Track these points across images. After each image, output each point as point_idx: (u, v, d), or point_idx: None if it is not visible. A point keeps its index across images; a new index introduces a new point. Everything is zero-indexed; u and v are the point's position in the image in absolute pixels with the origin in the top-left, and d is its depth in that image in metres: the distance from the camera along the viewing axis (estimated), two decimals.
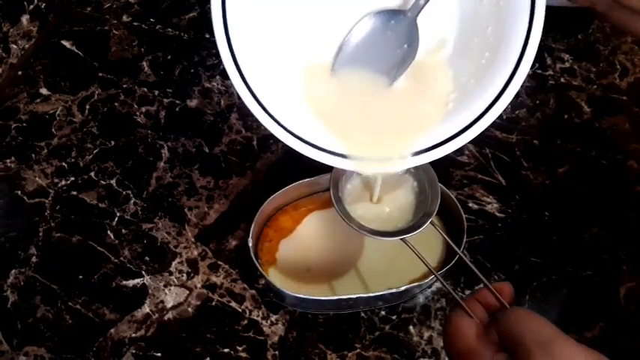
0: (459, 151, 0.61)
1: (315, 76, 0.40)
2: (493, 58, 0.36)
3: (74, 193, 0.59)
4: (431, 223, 0.43)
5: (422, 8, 0.38)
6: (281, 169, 0.61)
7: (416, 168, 0.46)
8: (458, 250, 0.43)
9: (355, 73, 0.39)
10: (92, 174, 0.60)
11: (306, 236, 0.55)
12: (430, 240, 0.53)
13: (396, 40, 0.39)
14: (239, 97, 0.34)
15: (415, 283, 0.50)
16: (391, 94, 0.40)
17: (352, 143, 0.38)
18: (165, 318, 0.53)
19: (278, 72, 0.38)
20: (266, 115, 0.35)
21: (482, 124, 0.36)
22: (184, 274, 0.55)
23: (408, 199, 0.46)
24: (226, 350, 0.51)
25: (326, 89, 0.39)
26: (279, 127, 0.35)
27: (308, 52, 0.39)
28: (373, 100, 0.40)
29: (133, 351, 0.51)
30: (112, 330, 0.52)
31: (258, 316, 0.53)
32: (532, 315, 0.32)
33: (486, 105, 0.36)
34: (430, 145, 0.38)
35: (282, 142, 0.35)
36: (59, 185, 0.60)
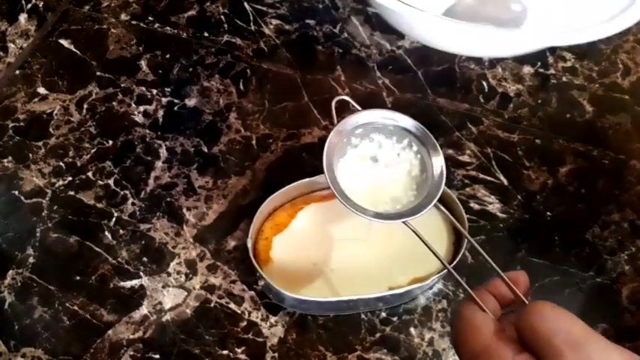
0: (460, 150, 0.61)
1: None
2: None
3: (71, 193, 0.59)
4: (436, 206, 0.40)
5: None
6: (280, 169, 0.60)
7: (419, 144, 0.43)
8: (467, 236, 0.40)
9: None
10: (90, 174, 0.60)
11: (300, 231, 0.54)
12: (434, 240, 0.52)
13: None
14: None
15: (416, 284, 0.50)
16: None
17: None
18: (164, 319, 0.53)
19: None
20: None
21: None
22: (183, 275, 0.55)
23: (409, 179, 0.44)
24: (225, 352, 0.51)
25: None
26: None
27: None
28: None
29: (131, 352, 0.51)
30: (110, 331, 0.52)
31: (257, 317, 0.53)
32: (560, 311, 0.28)
33: None
34: None
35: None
36: (56, 185, 0.59)
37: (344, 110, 0.64)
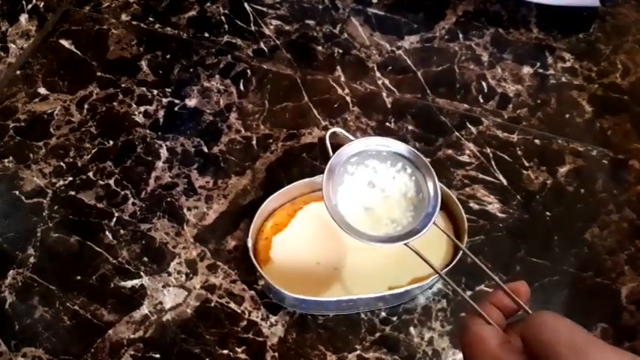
0: (460, 150, 0.61)
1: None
2: None
3: (72, 193, 0.59)
4: (435, 223, 0.42)
5: None
6: (280, 169, 0.60)
7: (413, 167, 0.45)
8: (463, 248, 0.42)
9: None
10: (90, 174, 0.60)
11: (300, 231, 0.54)
12: (433, 241, 0.52)
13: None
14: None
15: (416, 284, 0.50)
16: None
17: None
18: (164, 319, 0.53)
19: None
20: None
21: None
22: (183, 275, 0.55)
23: (405, 200, 0.45)
24: (225, 352, 0.51)
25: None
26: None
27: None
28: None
29: (132, 352, 0.51)
30: (111, 331, 0.52)
31: (257, 317, 0.53)
32: (561, 320, 0.30)
33: None
34: None
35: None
36: (57, 185, 0.59)
37: (343, 111, 0.65)
